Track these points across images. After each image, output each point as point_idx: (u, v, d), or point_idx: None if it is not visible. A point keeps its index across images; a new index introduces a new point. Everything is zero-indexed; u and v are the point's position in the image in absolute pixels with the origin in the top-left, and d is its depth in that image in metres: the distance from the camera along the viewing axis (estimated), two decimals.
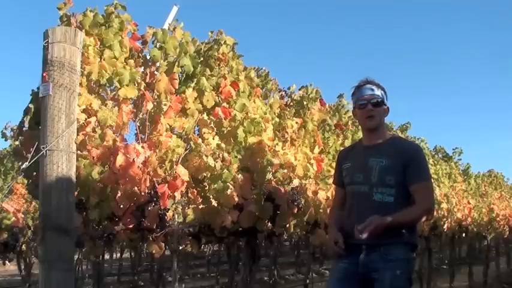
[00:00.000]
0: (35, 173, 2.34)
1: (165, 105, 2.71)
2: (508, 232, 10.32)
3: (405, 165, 2.47)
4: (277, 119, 3.62)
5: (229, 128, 3.09)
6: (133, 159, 2.40)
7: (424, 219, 2.56)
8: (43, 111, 2.19)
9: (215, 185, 2.86)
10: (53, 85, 2.16)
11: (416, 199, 2.46)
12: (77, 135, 2.28)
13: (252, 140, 3.19)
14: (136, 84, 2.61)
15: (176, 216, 2.68)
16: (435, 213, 6.14)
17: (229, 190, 2.86)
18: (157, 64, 2.84)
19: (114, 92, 2.62)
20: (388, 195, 2.47)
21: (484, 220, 8.65)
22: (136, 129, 2.67)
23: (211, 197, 2.87)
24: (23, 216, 5.53)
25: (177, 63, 2.88)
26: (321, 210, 3.71)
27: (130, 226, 2.50)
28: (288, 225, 3.50)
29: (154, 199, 2.54)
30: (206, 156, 2.78)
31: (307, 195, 3.56)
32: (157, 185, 2.53)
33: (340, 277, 2.58)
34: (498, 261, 11.74)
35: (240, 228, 3.14)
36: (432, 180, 2.56)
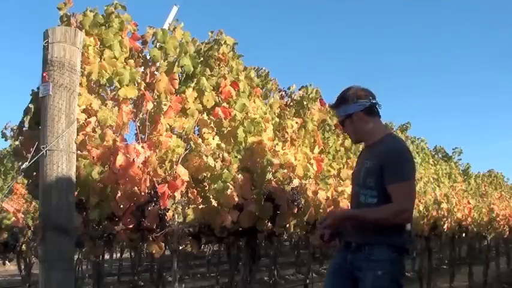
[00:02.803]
0: (35, 173, 2.34)
1: (165, 105, 2.71)
2: (508, 232, 10.32)
3: (382, 166, 2.46)
4: (277, 119, 3.62)
5: (229, 128, 3.09)
6: (133, 159, 2.40)
7: (397, 220, 2.43)
8: (43, 111, 2.19)
9: (215, 185, 2.86)
10: (53, 85, 2.16)
11: (392, 200, 2.44)
12: (77, 135, 2.28)
13: (252, 140, 3.19)
14: (137, 84, 2.61)
15: (176, 216, 2.69)
16: (435, 213, 6.14)
17: (229, 190, 2.86)
18: (157, 64, 2.84)
19: (114, 92, 2.62)
20: (371, 197, 2.48)
21: (484, 220, 8.65)
22: (136, 129, 2.67)
23: (211, 197, 2.87)
24: (23, 216, 5.53)
25: (177, 63, 2.88)
26: (321, 210, 3.71)
27: (130, 226, 2.50)
28: (288, 225, 3.50)
29: (154, 199, 2.54)
30: (206, 156, 2.78)
31: (307, 195, 3.56)
32: (157, 185, 2.53)
33: (333, 272, 2.63)
34: (498, 261, 11.74)
35: (240, 228, 3.14)
36: (411, 181, 2.46)
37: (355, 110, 2.57)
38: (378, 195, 2.46)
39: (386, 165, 2.44)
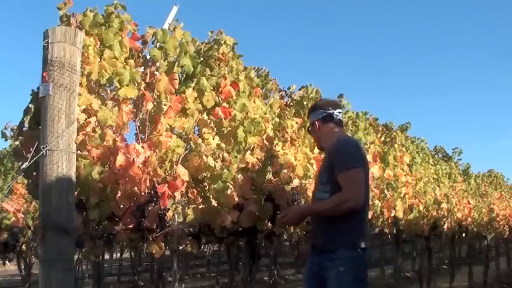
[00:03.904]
0: (35, 173, 2.34)
1: (165, 105, 2.71)
2: (508, 232, 10.32)
3: (331, 161, 2.65)
4: (277, 119, 3.62)
5: (229, 128, 3.09)
6: (133, 159, 2.40)
7: (340, 208, 2.54)
8: (43, 111, 2.19)
9: (215, 185, 2.86)
10: (53, 85, 2.16)
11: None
12: (77, 135, 2.27)
13: (252, 140, 3.19)
14: (137, 84, 2.61)
15: (176, 216, 2.69)
16: (435, 213, 6.14)
17: (229, 190, 2.86)
18: (157, 64, 2.84)
19: (114, 92, 2.61)
20: (324, 192, 2.68)
21: (484, 220, 8.65)
22: (136, 129, 2.67)
23: (211, 197, 2.87)
24: (23, 216, 5.53)
25: (177, 63, 2.88)
26: None
27: (130, 226, 2.50)
28: (288, 225, 3.50)
29: (154, 199, 2.54)
30: (206, 156, 2.78)
31: (307, 195, 3.56)
32: (157, 185, 2.53)
33: (308, 276, 2.79)
34: (498, 261, 11.75)
35: (240, 228, 3.14)
36: (355, 170, 2.56)
37: (314, 119, 2.88)
38: (330, 189, 2.63)
39: (334, 159, 2.63)
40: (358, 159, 2.64)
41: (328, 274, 2.56)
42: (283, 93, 4.22)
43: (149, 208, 2.53)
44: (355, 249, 2.57)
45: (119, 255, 12.69)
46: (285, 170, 3.40)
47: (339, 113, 2.85)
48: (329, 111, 2.82)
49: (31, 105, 2.44)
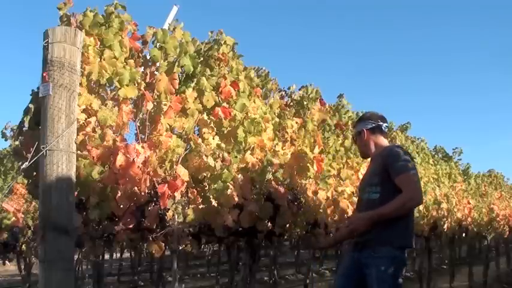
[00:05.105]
0: (35, 173, 2.34)
1: (165, 105, 2.71)
2: (508, 232, 10.31)
3: (386, 165, 2.80)
4: (277, 119, 3.62)
5: (229, 128, 3.09)
6: (133, 159, 2.40)
7: (408, 206, 2.73)
8: (43, 111, 2.19)
9: (215, 185, 2.86)
10: (53, 85, 2.16)
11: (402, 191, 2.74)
12: (77, 135, 2.27)
13: (252, 140, 3.19)
14: (136, 84, 2.61)
15: (176, 216, 2.69)
16: (435, 213, 6.14)
17: (229, 190, 2.86)
18: (158, 64, 2.84)
19: (114, 92, 2.62)
20: (374, 193, 2.83)
21: (484, 220, 8.65)
22: (136, 129, 2.67)
23: (211, 197, 2.87)
24: (23, 216, 5.52)
25: (177, 63, 2.88)
26: (320, 210, 3.71)
27: (130, 226, 2.50)
28: (288, 225, 3.50)
29: (154, 199, 2.54)
30: (206, 156, 2.78)
31: (307, 195, 3.56)
32: (157, 185, 2.53)
33: (346, 265, 3.00)
34: (498, 261, 11.74)
35: (240, 228, 3.14)
36: (412, 172, 2.77)
37: (362, 128, 3.03)
38: (380, 190, 2.79)
39: (390, 163, 2.78)
40: (410, 164, 2.82)
41: (369, 271, 2.71)
42: (283, 93, 4.23)
43: (149, 208, 2.53)
44: (396, 249, 2.73)
45: (119, 255, 12.68)
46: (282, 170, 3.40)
47: (386, 126, 3.08)
48: (379, 123, 3.02)
49: (31, 105, 2.44)
